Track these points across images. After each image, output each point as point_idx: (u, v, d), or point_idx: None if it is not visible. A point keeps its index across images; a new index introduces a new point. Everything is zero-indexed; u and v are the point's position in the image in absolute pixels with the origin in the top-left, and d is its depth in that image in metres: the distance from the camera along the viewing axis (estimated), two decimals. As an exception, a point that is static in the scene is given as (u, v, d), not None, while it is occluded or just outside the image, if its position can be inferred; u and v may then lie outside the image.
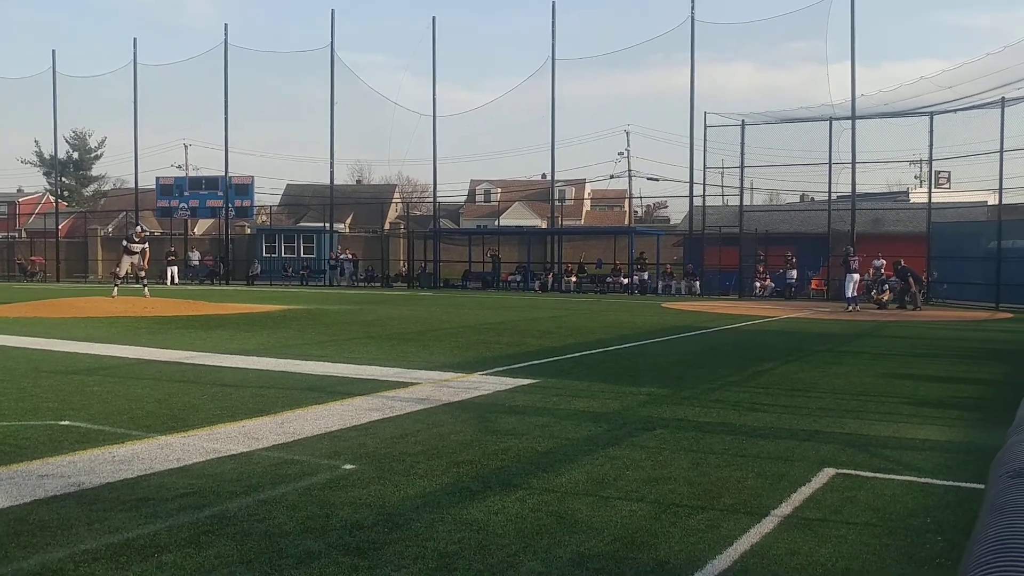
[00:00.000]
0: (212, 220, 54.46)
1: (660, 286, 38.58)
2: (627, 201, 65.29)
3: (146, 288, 26.46)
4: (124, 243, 27.59)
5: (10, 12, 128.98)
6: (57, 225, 54.31)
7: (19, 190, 78.76)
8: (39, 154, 74.39)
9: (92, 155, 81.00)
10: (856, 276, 27.54)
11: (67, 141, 75.62)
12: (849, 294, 27.32)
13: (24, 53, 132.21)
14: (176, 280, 43.31)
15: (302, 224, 59.20)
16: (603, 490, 5.94)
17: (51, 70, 50.51)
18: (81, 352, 13.59)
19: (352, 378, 11.08)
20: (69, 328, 17.63)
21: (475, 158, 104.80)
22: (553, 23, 41.81)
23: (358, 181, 77.52)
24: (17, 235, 63.87)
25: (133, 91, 48.64)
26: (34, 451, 6.85)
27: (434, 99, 44.18)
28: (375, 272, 46.62)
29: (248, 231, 54.76)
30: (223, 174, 48.10)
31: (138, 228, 28.89)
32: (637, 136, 60.77)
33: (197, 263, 48.22)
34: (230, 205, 47.93)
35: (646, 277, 39.65)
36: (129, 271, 26.95)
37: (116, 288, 25.66)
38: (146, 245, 27.05)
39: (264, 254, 49.74)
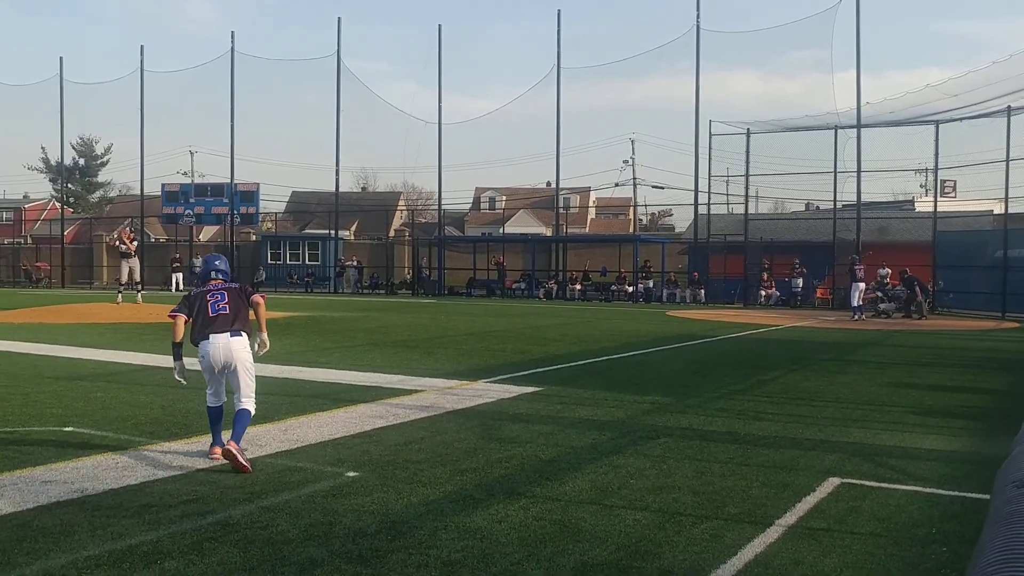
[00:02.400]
0: (217, 227, 54.58)
1: (665, 294, 38.53)
2: (632, 209, 65.30)
3: (139, 294, 26.20)
4: (116, 245, 27.00)
5: (18, 20, 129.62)
6: (63, 231, 54.45)
7: (25, 196, 79.06)
8: (46, 160, 74.57)
9: (98, 162, 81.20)
10: (862, 285, 27.50)
11: (73, 148, 75.80)
12: (855, 303, 27.28)
13: (32, 60, 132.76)
14: (181, 286, 43.36)
15: (307, 231, 59.26)
16: (607, 499, 5.92)
17: (58, 77, 50.66)
18: (85, 358, 13.61)
19: (356, 385, 11.08)
20: (73, 334, 17.65)
21: (480, 166, 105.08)
22: (559, 32, 41.94)
23: (363, 188, 77.63)
24: (23, 241, 64.10)
25: (140, 98, 48.74)
26: (38, 457, 6.87)
27: (440, 107, 44.27)
28: (379, 279, 46.64)
29: (253, 238, 54.85)
30: (228, 181, 48.17)
31: (127, 229, 28.23)
32: (642, 144, 60.83)
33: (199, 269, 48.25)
34: (235, 212, 47.98)
35: (651, 285, 39.58)
36: (129, 276, 26.28)
37: (120, 295, 25.52)
38: (134, 244, 26.12)
39: (269, 261, 49.77)
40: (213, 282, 7.28)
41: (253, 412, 6.98)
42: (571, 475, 6.56)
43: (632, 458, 7.17)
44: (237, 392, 6.95)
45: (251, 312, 7.16)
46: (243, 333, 6.96)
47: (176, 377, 7.10)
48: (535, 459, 7.08)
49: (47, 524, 5.19)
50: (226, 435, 6.83)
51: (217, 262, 7.50)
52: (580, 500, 5.89)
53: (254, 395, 7.02)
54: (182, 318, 7.09)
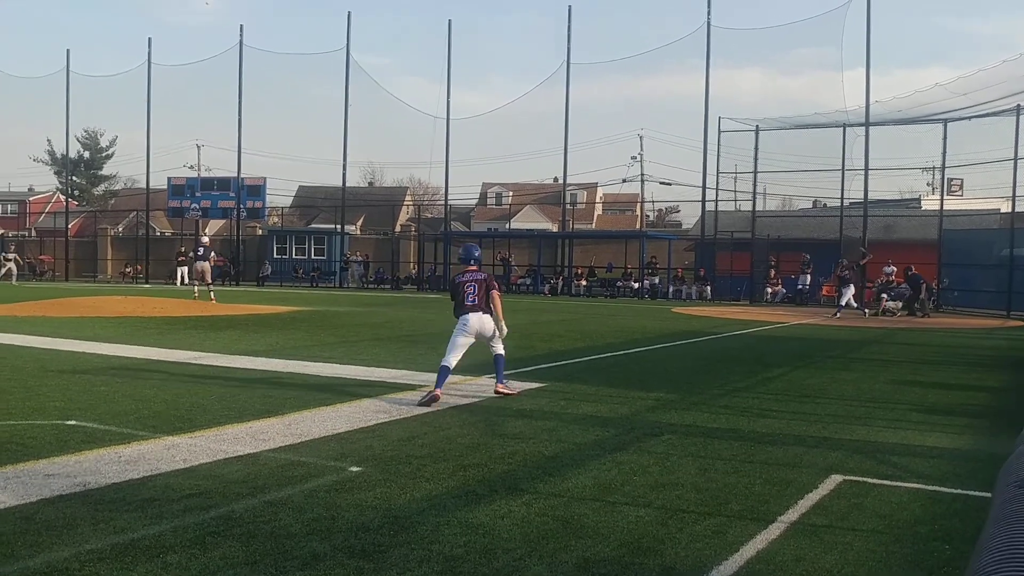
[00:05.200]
0: (224, 221, 54.66)
1: (671, 291, 38.52)
2: (639, 205, 65.24)
3: (212, 292, 27.61)
4: (191, 253, 28.87)
5: (25, 11, 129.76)
6: (67, 224, 54.48)
7: (30, 189, 79.17)
8: (51, 153, 74.74)
9: (103, 154, 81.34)
10: (851, 288, 27.55)
11: (79, 140, 75.91)
12: (847, 301, 27.27)
13: (39, 52, 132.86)
14: (186, 280, 43.42)
15: (313, 225, 59.34)
16: (610, 495, 5.92)
17: (65, 69, 50.70)
18: (89, 352, 13.63)
19: (360, 380, 11.09)
20: (77, 327, 17.68)
21: (487, 161, 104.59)
22: (569, 27, 41.79)
23: (370, 183, 77.68)
24: (27, 234, 64.14)
25: (147, 91, 48.76)
26: (40, 450, 6.87)
27: (448, 102, 44.17)
28: (385, 274, 46.69)
29: (259, 232, 54.89)
30: (235, 175, 48.23)
31: (205, 240, 30.29)
32: (650, 140, 60.71)
33: (212, 264, 48.35)
34: (242, 206, 48.06)
35: (657, 281, 39.58)
36: (200, 276, 27.81)
37: (196, 290, 27.32)
38: (195, 250, 28.49)
39: (275, 255, 49.87)
40: (470, 269, 10.10)
41: (504, 355, 10.04)
42: (574, 471, 6.56)
43: (635, 455, 7.17)
44: (494, 344, 9.95)
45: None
46: (488, 312, 9.90)
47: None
48: (538, 455, 7.08)
49: (50, 517, 5.20)
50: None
51: (476, 252, 10.50)
52: (583, 497, 5.89)
53: (502, 346, 9.98)
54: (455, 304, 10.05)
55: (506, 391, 9.82)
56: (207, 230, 58.67)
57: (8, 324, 18.13)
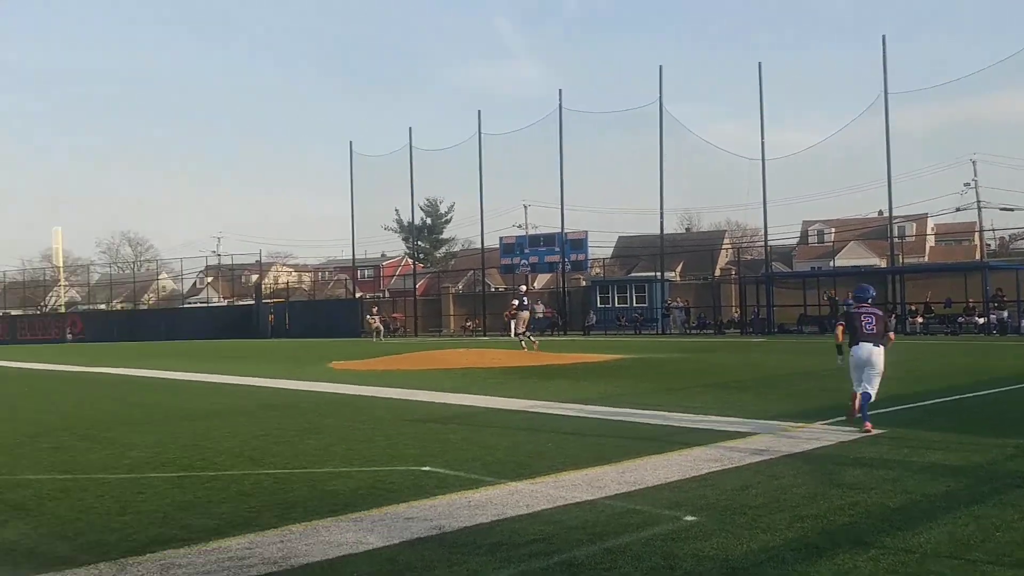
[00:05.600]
0: (550, 274, 56.98)
1: (1022, 325, 34.96)
2: (977, 234, 60.02)
3: (534, 341, 29.17)
4: (515, 302, 30.55)
5: (377, 99, 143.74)
6: (415, 285, 59.25)
7: (383, 254, 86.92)
8: (399, 221, 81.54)
9: (443, 220, 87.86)
10: None
11: (422, 209, 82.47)
12: None
13: (386, 133, 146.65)
14: (520, 331, 45.60)
15: (633, 274, 60.21)
16: (969, 552, 5.48)
17: (408, 146, 55.52)
18: (438, 401, 14.70)
19: (688, 428, 11.08)
20: (427, 379, 19.09)
21: (806, 199, 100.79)
22: (884, 56, 39.94)
23: (687, 229, 77.60)
24: (382, 295, 70.47)
25: (478, 159, 52.33)
26: (400, 495, 7.49)
27: (762, 143, 43.59)
28: (707, 319, 46.29)
29: (583, 283, 56.60)
30: (559, 231, 50.25)
31: (522, 289, 31.86)
32: (985, 164, 55.27)
33: (541, 315, 50.47)
34: (566, 259, 49.88)
35: (1005, 316, 36.08)
36: (518, 326, 29.58)
37: (524, 343, 28.69)
38: (521, 301, 30.19)
39: (599, 304, 51.09)
40: (863, 304, 10.80)
41: (873, 397, 10.43)
42: (924, 525, 6.14)
43: (996, 508, 6.58)
44: (868, 382, 10.40)
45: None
46: (881, 345, 10.48)
47: (838, 362, 11.02)
48: (882, 507, 6.71)
49: (411, 559, 5.63)
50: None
51: (872, 291, 11.13)
52: (938, 553, 5.49)
53: (876, 387, 10.46)
54: (841, 327, 10.85)
55: (868, 428, 10.10)
56: (535, 284, 61.53)
57: (368, 378, 19.99)
